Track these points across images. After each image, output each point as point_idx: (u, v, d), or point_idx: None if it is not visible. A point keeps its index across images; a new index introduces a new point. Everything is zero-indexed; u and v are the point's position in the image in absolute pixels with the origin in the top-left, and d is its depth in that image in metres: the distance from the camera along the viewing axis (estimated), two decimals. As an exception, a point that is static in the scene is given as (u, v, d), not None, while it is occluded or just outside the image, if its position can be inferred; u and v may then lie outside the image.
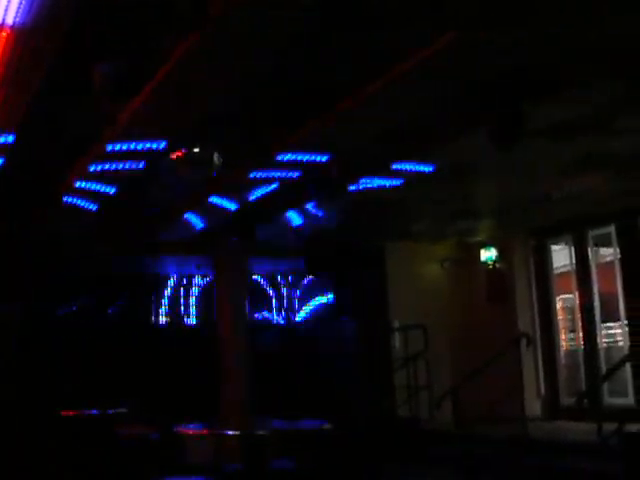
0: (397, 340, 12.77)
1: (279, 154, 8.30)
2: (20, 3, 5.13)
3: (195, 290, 15.00)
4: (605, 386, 10.93)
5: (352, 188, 9.33)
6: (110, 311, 14.15)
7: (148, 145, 7.87)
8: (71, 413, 11.07)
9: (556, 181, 9.66)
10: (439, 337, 12.47)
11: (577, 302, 12.23)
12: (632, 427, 8.06)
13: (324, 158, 8.43)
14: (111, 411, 11.21)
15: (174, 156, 7.85)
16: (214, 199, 10.02)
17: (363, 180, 9.24)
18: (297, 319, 15.85)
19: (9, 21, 5.34)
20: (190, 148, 7.74)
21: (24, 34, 5.46)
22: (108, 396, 11.92)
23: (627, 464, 7.39)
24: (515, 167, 8.88)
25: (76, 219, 10.75)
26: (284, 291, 16.15)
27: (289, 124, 7.50)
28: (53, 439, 10.24)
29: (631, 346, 11.11)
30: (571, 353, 12.58)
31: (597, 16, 5.46)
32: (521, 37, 5.75)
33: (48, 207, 10.21)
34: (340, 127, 7.57)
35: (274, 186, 9.56)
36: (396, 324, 12.83)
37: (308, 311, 15.63)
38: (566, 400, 12.13)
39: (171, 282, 14.98)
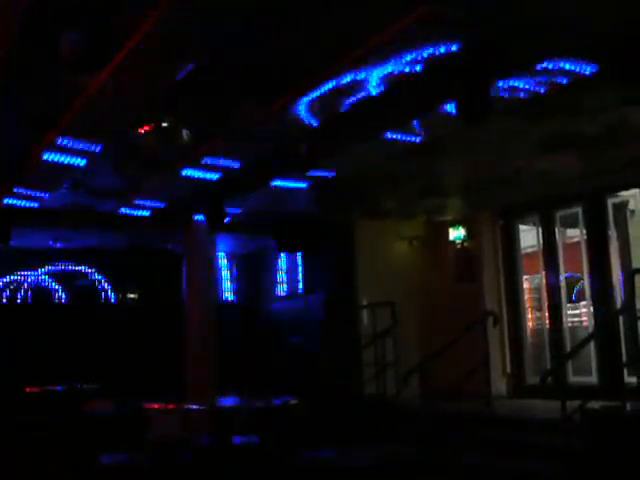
0: (365, 317, 12.82)
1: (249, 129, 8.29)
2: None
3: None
4: (570, 365, 11.04)
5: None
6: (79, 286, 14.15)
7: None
8: (36, 389, 11.03)
9: (524, 160, 9.72)
10: (407, 314, 12.52)
11: (543, 282, 12.34)
12: (595, 404, 8.18)
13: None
14: (78, 386, 11.19)
15: (142, 130, 7.78)
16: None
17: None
18: (266, 296, 15.89)
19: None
20: (158, 121, 7.69)
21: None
22: (78, 373, 11.92)
23: (588, 439, 7.52)
24: (483, 145, 8.93)
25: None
26: (253, 268, 16.21)
27: (258, 100, 7.48)
28: (18, 414, 10.21)
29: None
30: (537, 332, 12.69)
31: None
32: (491, 12, 5.80)
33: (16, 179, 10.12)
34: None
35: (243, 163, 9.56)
36: (364, 301, 12.87)
37: (277, 289, 15.68)
38: (531, 378, 12.23)
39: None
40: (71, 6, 5.21)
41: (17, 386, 11.10)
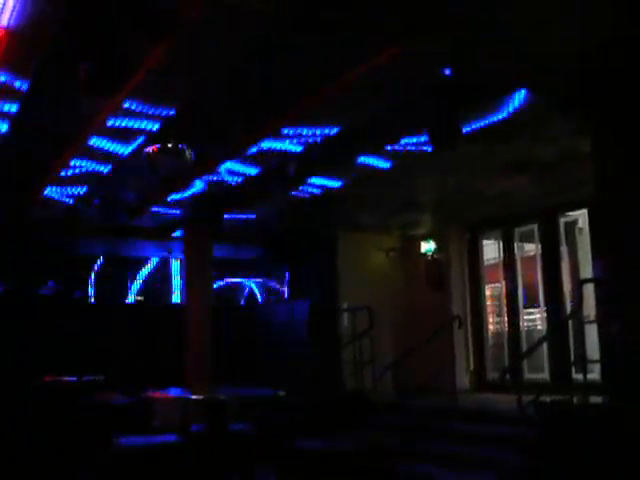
0: (346, 320, 12.85)
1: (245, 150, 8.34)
2: (14, 6, 5.11)
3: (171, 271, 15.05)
4: (525, 363, 11.13)
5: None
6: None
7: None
8: (52, 379, 10.99)
9: (487, 182, 9.81)
10: (383, 318, 12.55)
11: (503, 290, 12.45)
12: (546, 398, 8.24)
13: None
14: (88, 378, 11.14)
15: (149, 150, 7.82)
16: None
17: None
18: (257, 300, 15.91)
19: (4, 22, 5.32)
20: (164, 142, 7.72)
21: (16, 35, 5.44)
22: (87, 365, 11.86)
23: (541, 429, 7.59)
24: (453, 168, 9.01)
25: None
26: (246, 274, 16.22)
27: (254, 123, 7.53)
28: (36, 401, 10.18)
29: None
30: (497, 334, 12.81)
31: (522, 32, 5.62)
32: (456, 50, 5.89)
33: (32, 195, 10.11)
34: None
35: (237, 180, 9.60)
36: (345, 306, 12.92)
37: (267, 293, 15.70)
38: (491, 375, 12.36)
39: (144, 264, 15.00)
40: (87, 39, 5.26)
41: (36, 376, 11.06)
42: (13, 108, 6.98)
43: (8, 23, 5.30)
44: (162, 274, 15.00)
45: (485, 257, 13.07)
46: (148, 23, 5.16)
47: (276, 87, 6.58)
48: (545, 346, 10.83)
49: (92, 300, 14.38)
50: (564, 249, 11.44)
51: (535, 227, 11.83)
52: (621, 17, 5.49)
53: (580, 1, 5.21)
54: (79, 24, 5.28)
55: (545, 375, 11.15)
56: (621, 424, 6.29)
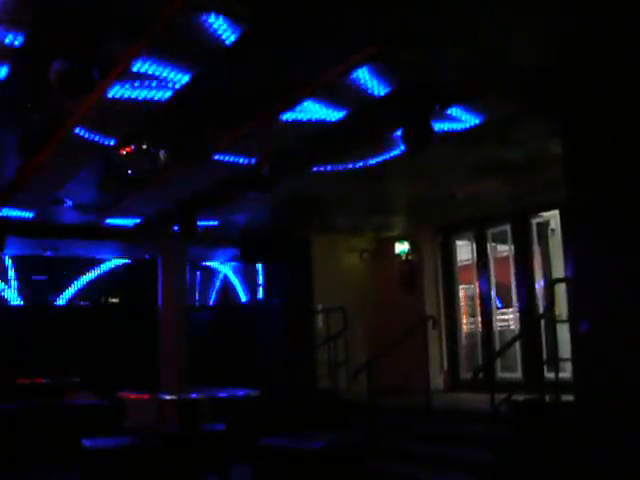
0: (320, 321, 12.84)
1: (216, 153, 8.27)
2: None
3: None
4: (498, 362, 11.17)
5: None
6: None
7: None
8: (26, 381, 10.87)
9: (460, 184, 9.83)
10: (357, 319, 12.56)
11: (477, 291, 12.49)
12: (519, 397, 8.29)
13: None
14: (62, 380, 11.04)
15: (123, 151, 7.74)
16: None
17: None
18: (232, 301, 15.85)
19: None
20: (139, 144, 7.65)
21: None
22: (61, 367, 11.75)
23: (513, 427, 7.63)
24: (425, 170, 9.02)
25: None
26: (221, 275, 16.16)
27: (225, 126, 7.46)
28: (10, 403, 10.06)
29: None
30: (470, 334, 12.85)
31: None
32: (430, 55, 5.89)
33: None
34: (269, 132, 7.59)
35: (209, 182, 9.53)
36: (319, 307, 12.90)
37: (242, 294, 15.65)
38: (465, 375, 12.39)
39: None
40: (60, 38, 5.19)
41: (8, 377, 10.93)
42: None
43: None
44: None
45: (459, 258, 13.12)
46: (130, 22, 5.12)
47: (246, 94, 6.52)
48: (518, 345, 10.89)
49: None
50: (537, 249, 11.51)
51: (508, 228, 11.88)
52: (589, 17, 5.52)
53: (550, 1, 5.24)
54: (58, 22, 5.19)
55: (518, 374, 11.20)
56: (590, 422, 6.32)
